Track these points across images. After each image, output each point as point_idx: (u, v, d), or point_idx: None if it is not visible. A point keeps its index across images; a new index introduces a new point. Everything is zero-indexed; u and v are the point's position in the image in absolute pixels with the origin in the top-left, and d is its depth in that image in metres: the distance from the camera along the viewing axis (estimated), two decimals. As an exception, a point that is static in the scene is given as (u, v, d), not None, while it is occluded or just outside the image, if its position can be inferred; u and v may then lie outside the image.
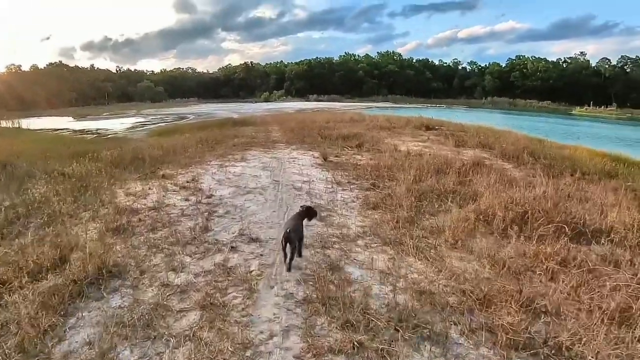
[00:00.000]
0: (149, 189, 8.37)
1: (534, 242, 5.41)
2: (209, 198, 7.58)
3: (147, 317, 3.85)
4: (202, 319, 3.81)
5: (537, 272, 4.76)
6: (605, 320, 3.77)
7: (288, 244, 4.80)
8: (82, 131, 31.05)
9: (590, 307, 4.04)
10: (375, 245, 5.45)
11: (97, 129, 31.93)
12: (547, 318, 3.88)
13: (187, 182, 8.80)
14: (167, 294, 4.29)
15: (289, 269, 4.75)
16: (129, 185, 8.71)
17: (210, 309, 3.95)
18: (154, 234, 5.89)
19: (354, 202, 7.37)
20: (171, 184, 8.70)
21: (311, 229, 5.80)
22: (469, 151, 12.99)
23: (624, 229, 5.97)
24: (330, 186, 8.39)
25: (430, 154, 11.72)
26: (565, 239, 5.36)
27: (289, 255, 4.80)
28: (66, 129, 33.79)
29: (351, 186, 8.44)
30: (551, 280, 4.67)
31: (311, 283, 4.41)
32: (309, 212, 5.48)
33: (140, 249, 5.40)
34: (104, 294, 4.36)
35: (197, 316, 3.87)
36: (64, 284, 4.39)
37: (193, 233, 5.84)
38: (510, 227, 5.97)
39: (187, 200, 7.49)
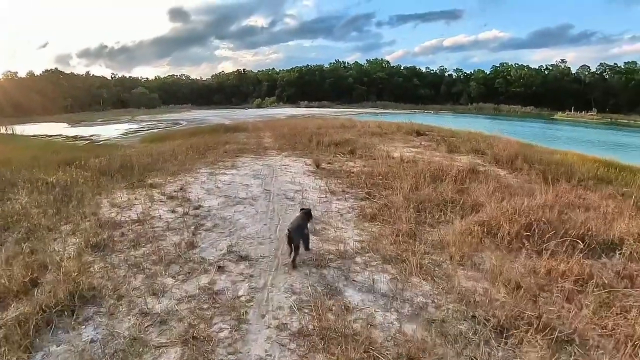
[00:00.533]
0: (135, 199, 7.76)
1: (544, 257, 4.90)
2: (196, 209, 6.96)
3: (121, 355, 3.27)
4: (183, 357, 3.22)
5: (553, 293, 4.24)
6: (637, 351, 3.26)
7: (292, 243, 4.84)
8: (75, 137, 30.37)
9: (616, 333, 3.53)
10: (375, 263, 4.86)
11: (91, 135, 31.23)
12: (571, 348, 3.35)
13: (175, 191, 8.18)
14: (146, 324, 3.69)
15: (294, 266, 4.78)
16: (115, 195, 8.08)
17: (193, 344, 3.36)
18: (136, 251, 5.28)
19: (349, 213, 6.78)
20: (158, 193, 8.09)
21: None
22: (462, 157, 12.49)
23: (634, 241, 5.48)
24: (324, 195, 7.81)
25: (424, 161, 11.23)
26: (580, 255, 4.83)
27: (292, 254, 4.82)
28: (60, 135, 33.09)
29: (346, 195, 7.85)
30: (567, 301, 4.15)
31: (307, 311, 3.82)
32: (309, 215, 5.45)
33: (119, 269, 4.79)
34: (76, 324, 3.76)
35: (177, 353, 3.28)
36: (31, 313, 3.79)
37: (178, 250, 5.22)
38: (516, 240, 5.48)
39: (173, 212, 6.87)
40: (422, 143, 15.91)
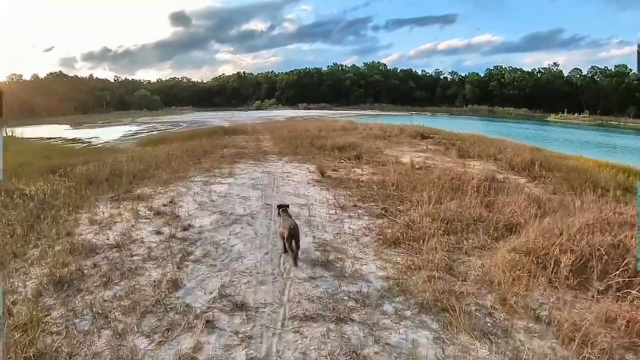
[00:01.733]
0: (119, 214, 6.57)
1: (618, 301, 3.74)
2: (185, 230, 5.74)
3: None
4: None
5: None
6: None
7: (293, 240, 4.67)
8: (74, 140, 29.18)
9: None
10: (409, 313, 3.62)
11: (90, 138, 30.03)
12: None
13: (164, 205, 6.99)
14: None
15: (295, 264, 4.59)
16: (97, 209, 6.89)
17: None
18: (107, 291, 4.07)
19: (366, 235, 5.55)
20: (145, 207, 6.89)
21: (319, 285, 4.07)
22: (475, 163, 11.33)
23: None
24: (333, 212, 6.59)
25: (436, 166, 10.10)
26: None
27: (294, 250, 4.66)
28: (59, 137, 31.85)
29: (358, 211, 6.63)
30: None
31: (328, 401, 2.62)
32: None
33: (82, 319, 3.58)
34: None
35: None
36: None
37: (157, 291, 3.99)
38: (573, 275, 4.31)
39: (158, 233, 5.65)
40: (429, 147, 14.77)
